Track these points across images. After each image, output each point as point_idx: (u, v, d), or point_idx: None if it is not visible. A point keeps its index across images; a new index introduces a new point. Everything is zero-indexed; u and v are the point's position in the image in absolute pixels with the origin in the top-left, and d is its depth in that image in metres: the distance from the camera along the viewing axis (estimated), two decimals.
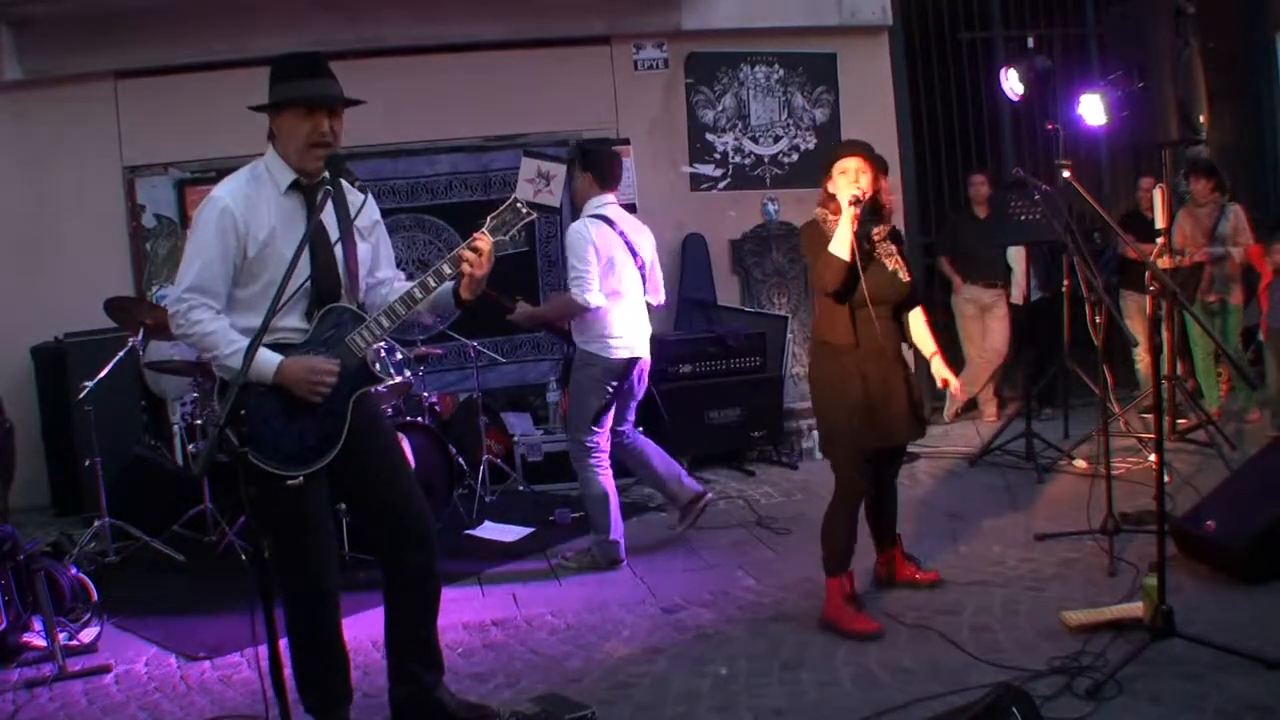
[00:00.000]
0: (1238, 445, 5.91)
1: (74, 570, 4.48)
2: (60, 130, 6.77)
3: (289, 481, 2.67)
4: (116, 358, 5.26)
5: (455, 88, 7.17)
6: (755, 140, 7.66)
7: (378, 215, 3.21)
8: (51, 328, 6.45)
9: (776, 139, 7.68)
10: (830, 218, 3.92)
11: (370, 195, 3.15)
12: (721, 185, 7.59)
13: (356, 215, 3.06)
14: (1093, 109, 5.89)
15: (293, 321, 2.95)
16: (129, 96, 6.88)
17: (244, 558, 5.02)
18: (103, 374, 5.20)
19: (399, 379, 5.60)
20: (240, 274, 2.92)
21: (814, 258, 3.92)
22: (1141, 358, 7.07)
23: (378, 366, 4.12)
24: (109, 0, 6.50)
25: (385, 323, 3.00)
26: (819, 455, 6.44)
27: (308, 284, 2.89)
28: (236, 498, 3.16)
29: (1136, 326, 6.90)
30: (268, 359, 2.85)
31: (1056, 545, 4.60)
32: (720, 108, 7.60)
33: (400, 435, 5.30)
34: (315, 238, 2.87)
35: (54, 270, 6.68)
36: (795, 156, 7.70)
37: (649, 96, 7.48)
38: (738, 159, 7.64)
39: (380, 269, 3.22)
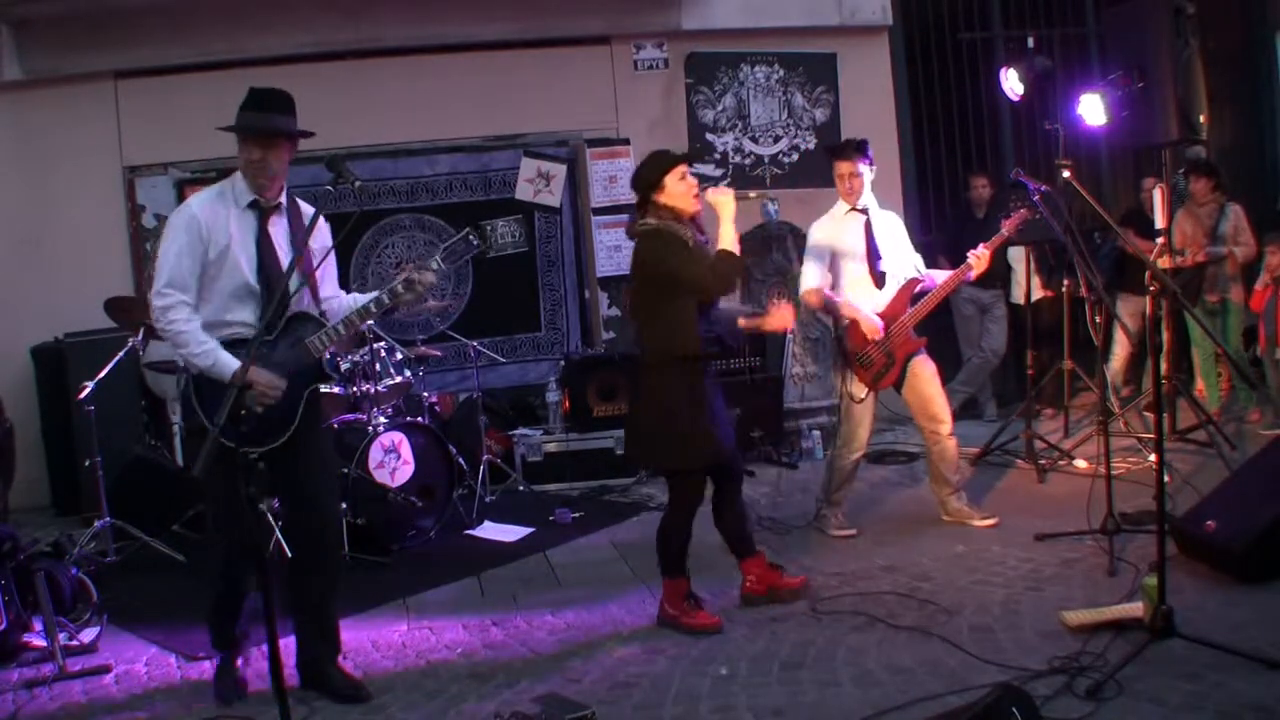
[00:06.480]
0: (1238, 445, 5.91)
1: (74, 570, 4.48)
2: (60, 130, 6.76)
3: (250, 457, 2.96)
4: (116, 358, 5.27)
5: (455, 88, 7.17)
6: (755, 140, 7.66)
7: (329, 241, 3.64)
8: (51, 328, 6.45)
9: (776, 139, 7.68)
10: (677, 227, 3.92)
11: (324, 219, 3.56)
12: (722, 185, 7.57)
13: (310, 233, 3.47)
14: (1093, 109, 5.88)
15: (243, 316, 3.44)
16: (129, 96, 6.88)
17: None
18: (103, 374, 5.20)
19: (399, 379, 5.60)
20: (203, 275, 3.39)
21: (691, 262, 3.87)
22: (1118, 355, 7.07)
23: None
24: (109, 0, 6.50)
25: (343, 330, 3.49)
26: (820, 455, 6.49)
27: (258, 286, 3.42)
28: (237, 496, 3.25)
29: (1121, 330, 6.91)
30: (227, 364, 3.32)
31: (1056, 545, 4.60)
32: (720, 108, 7.60)
33: (400, 435, 5.35)
34: (263, 248, 3.45)
35: (54, 270, 6.68)
36: (795, 156, 7.70)
37: (649, 96, 7.48)
38: (738, 159, 7.64)
39: (324, 288, 3.64)
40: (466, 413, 6.57)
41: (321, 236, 3.58)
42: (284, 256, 3.47)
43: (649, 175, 3.97)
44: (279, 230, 3.51)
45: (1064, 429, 6.50)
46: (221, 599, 3.67)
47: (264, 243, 3.46)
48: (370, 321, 3.59)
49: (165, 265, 3.38)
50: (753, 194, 4.13)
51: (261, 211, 3.47)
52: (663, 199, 3.95)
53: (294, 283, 3.41)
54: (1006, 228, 5.16)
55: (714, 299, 3.96)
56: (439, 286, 7.27)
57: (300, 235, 3.47)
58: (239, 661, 3.75)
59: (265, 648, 2.58)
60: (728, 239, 3.91)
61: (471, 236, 3.56)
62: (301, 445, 3.52)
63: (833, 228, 4.98)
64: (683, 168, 3.97)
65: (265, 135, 3.43)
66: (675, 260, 3.87)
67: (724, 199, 3.97)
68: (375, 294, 3.52)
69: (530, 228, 7.47)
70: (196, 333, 3.36)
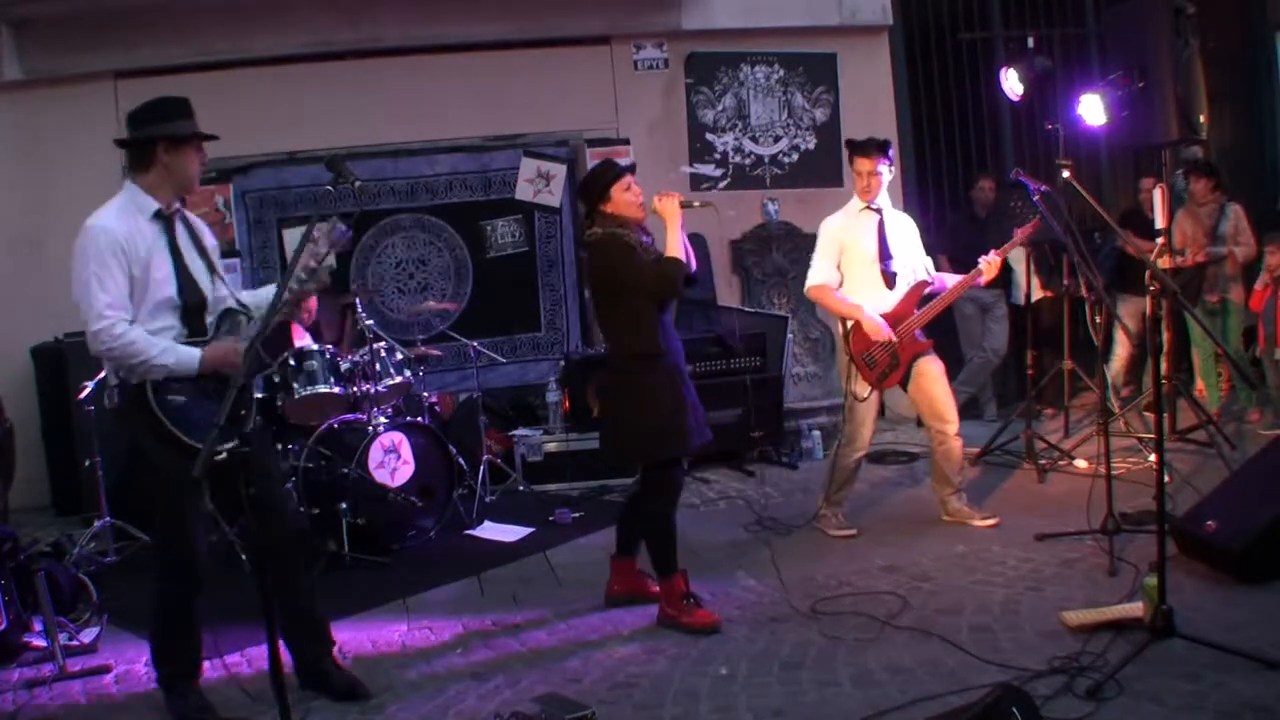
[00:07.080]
0: (1238, 445, 5.91)
1: (74, 570, 4.48)
2: (60, 130, 6.76)
3: (215, 457, 2.88)
4: None
5: (455, 88, 7.17)
6: (755, 140, 7.66)
7: (214, 242, 3.67)
8: (51, 328, 6.44)
9: (776, 139, 7.68)
10: (623, 233, 3.98)
11: (207, 226, 3.69)
12: (721, 185, 7.59)
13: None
14: (1093, 109, 5.88)
15: (167, 323, 3.40)
16: (129, 96, 6.83)
17: (244, 557, 5.02)
18: (103, 374, 5.17)
19: (399, 379, 5.60)
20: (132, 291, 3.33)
21: (636, 267, 3.94)
22: (1119, 355, 7.07)
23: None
24: (109, 0, 6.50)
25: (270, 318, 3.41)
26: (820, 455, 6.50)
27: (179, 298, 3.40)
28: (236, 498, 3.23)
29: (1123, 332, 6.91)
30: (188, 354, 3.34)
31: (1056, 545, 4.60)
32: (720, 108, 7.60)
33: (400, 435, 5.35)
34: (177, 257, 3.43)
35: (54, 270, 6.59)
36: (795, 156, 7.70)
37: (649, 96, 7.48)
38: (738, 159, 7.64)
39: (219, 288, 3.62)
40: (466, 413, 6.57)
41: (210, 237, 3.64)
42: (190, 262, 3.47)
43: (596, 188, 4.07)
44: (183, 237, 3.50)
45: (1064, 429, 6.51)
46: (169, 619, 3.50)
47: (176, 252, 3.44)
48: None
49: (95, 289, 3.27)
50: (697, 203, 4.23)
51: (166, 221, 3.45)
52: (609, 209, 4.04)
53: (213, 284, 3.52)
54: (1020, 235, 5.16)
55: (663, 302, 4.03)
56: (439, 287, 7.32)
57: (197, 239, 3.51)
58: (198, 683, 3.57)
59: (265, 648, 2.57)
60: (674, 246, 4.00)
61: (340, 223, 3.40)
62: (255, 442, 3.49)
63: (846, 224, 4.98)
64: (628, 178, 4.06)
65: (205, 141, 3.50)
66: (621, 267, 3.97)
67: (669, 207, 4.05)
68: (279, 284, 3.42)
69: (530, 228, 7.48)
70: (147, 338, 3.31)
